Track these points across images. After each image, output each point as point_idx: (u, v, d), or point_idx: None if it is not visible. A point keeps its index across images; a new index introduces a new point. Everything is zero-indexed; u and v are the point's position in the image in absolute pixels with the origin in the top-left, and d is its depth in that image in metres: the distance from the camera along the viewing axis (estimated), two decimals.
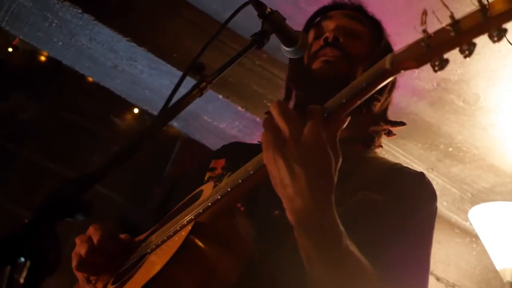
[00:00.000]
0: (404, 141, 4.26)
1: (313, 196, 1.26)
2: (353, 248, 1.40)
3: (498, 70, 3.43)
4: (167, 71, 3.67)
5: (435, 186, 4.20)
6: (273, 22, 1.69)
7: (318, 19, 2.09)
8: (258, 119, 3.85)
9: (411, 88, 3.75)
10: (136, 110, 5.57)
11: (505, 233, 3.95)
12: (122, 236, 1.80)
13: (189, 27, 3.69)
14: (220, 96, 3.80)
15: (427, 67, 3.40)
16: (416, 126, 4.09)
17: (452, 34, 1.10)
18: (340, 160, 1.30)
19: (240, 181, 1.42)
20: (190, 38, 3.60)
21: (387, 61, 1.22)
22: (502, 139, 3.97)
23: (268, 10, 1.69)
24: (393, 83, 2.10)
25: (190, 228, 1.46)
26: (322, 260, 1.37)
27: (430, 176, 4.42)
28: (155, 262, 1.51)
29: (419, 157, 4.37)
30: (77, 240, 1.77)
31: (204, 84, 1.49)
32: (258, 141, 2.03)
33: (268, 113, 1.30)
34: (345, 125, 1.30)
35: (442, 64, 1.14)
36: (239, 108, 3.87)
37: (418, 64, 1.18)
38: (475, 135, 4.02)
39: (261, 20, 1.69)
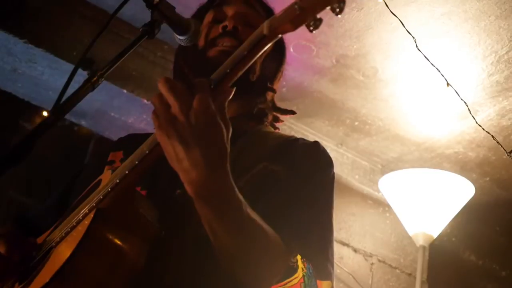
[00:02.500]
0: (311, 119, 4.34)
1: (208, 165, 1.29)
2: (254, 216, 1.44)
3: (392, 42, 3.54)
4: (68, 70, 3.60)
5: (345, 161, 4.33)
6: (162, 12, 1.69)
7: (217, 1, 2.09)
8: None
9: (312, 67, 3.82)
10: (45, 113, 5.48)
11: (413, 199, 4.09)
12: (23, 239, 1.78)
13: (87, 24, 3.65)
14: (125, 91, 3.79)
15: (325, 45, 3.48)
16: (321, 103, 4.18)
17: None
18: (231, 129, 1.33)
19: (136, 162, 1.44)
20: (89, 35, 3.57)
21: (264, 27, 1.27)
22: (403, 108, 4.10)
23: (156, 0, 1.70)
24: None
25: (92, 215, 1.48)
26: (225, 229, 1.41)
27: (340, 151, 4.53)
28: (61, 254, 1.51)
29: (327, 133, 4.47)
30: None
31: (95, 78, 1.49)
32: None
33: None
34: (231, 96, 1.33)
35: (316, 23, 1.20)
36: (145, 101, 3.86)
37: (294, 26, 1.23)
38: (377, 107, 4.14)
39: (150, 10, 1.69)
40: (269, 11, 2.10)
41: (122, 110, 4.00)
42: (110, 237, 1.47)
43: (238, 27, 1.94)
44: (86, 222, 1.48)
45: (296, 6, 1.20)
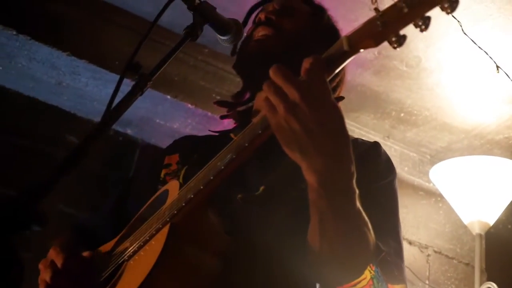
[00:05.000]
0: (357, 114, 4.30)
1: (334, 153, 1.26)
2: (360, 207, 1.39)
3: (435, 30, 3.48)
4: (111, 80, 3.66)
5: (393, 153, 4.27)
6: (204, 13, 1.69)
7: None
8: (209, 113, 3.86)
9: (354, 60, 3.69)
10: (90, 125, 5.53)
11: (467, 187, 4.01)
12: (85, 253, 1.76)
13: (125, 33, 3.68)
14: (168, 97, 3.80)
15: None
16: (365, 97, 4.13)
17: (406, 10, 1.13)
18: None
19: (211, 177, 1.42)
20: (129, 44, 3.58)
21: (344, 43, 1.23)
22: (450, 96, 4.03)
23: (197, 1, 1.69)
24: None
25: (167, 230, 1.47)
26: (337, 222, 1.36)
27: (387, 144, 4.48)
28: (138, 269, 1.51)
29: (373, 127, 4.42)
30: (40, 266, 1.72)
31: (143, 82, 1.49)
32: (210, 130, 2.04)
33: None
34: None
35: (400, 40, 1.17)
36: (189, 105, 3.87)
37: (376, 42, 1.20)
38: (423, 97, 4.08)
39: (192, 12, 1.69)
40: (310, 4, 2.06)
41: (166, 116, 4.02)
42: (186, 252, 1.48)
43: (271, 17, 1.92)
44: (160, 237, 1.48)
45: (378, 22, 1.17)
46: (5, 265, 1.06)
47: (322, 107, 1.23)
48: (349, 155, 1.29)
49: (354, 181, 1.33)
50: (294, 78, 1.24)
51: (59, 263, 1.68)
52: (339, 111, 1.26)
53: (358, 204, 1.36)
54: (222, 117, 2.03)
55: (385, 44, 3.65)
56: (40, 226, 1.11)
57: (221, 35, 1.78)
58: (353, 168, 1.31)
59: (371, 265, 1.47)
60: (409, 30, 3.57)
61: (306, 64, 1.25)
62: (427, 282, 4.36)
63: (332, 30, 2.00)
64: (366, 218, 1.41)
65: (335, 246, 1.40)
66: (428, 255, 4.50)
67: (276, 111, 1.25)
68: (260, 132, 1.33)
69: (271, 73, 1.26)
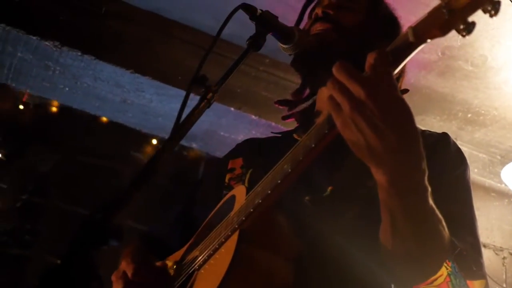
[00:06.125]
0: (422, 117, 4.24)
1: (404, 151, 1.21)
2: (433, 204, 1.34)
3: (500, 27, 3.41)
4: (175, 95, 3.70)
5: None
6: (266, 22, 1.68)
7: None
8: (273, 123, 3.86)
9: (417, 62, 3.73)
10: (154, 141, 5.62)
11: None
12: (156, 263, 1.76)
13: (187, 47, 3.71)
14: (232, 109, 3.82)
15: None
16: (431, 99, 4.07)
17: None
18: None
19: (279, 181, 1.39)
20: (191, 58, 3.61)
21: (410, 34, 1.18)
22: None
23: (259, 11, 1.68)
24: None
25: (236, 237, 1.44)
26: (409, 220, 1.32)
27: None
28: (209, 278, 1.49)
29: (440, 129, 4.31)
30: (113, 278, 1.72)
31: (210, 94, 1.49)
32: (272, 132, 2.02)
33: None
34: None
35: (469, 28, 1.10)
36: (253, 116, 3.87)
37: (443, 32, 1.14)
38: (490, 96, 3.99)
39: (254, 22, 1.68)
40: None
41: (230, 128, 4.03)
42: (258, 258, 1.45)
43: (328, 12, 1.86)
44: (230, 244, 1.46)
45: (444, 10, 1.11)
46: (85, 280, 1.07)
47: (389, 103, 1.18)
48: (420, 152, 1.24)
49: (425, 178, 1.28)
50: (359, 74, 1.20)
51: (130, 273, 1.68)
52: (407, 107, 1.20)
53: (430, 201, 1.32)
54: (284, 118, 2.00)
55: (448, 44, 3.57)
56: (118, 240, 1.12)
57: (283, 43, 1.76)
58: (424, 165, 1.26)
59: (447, 261, 1.42)
60: (474, 30, 3.49)
61: (370, 59, 1.21)
62: (504, 285, 4.25)
63: (391, 19, 1.95)
64: (440, 215, 1.36)
65: (409, 246, 1.36)
66: (504, 258, 4.39)
67: (341, 110, 1.21)
68: (326, 132, 1.30)
69: (335, 70, 1.22)
